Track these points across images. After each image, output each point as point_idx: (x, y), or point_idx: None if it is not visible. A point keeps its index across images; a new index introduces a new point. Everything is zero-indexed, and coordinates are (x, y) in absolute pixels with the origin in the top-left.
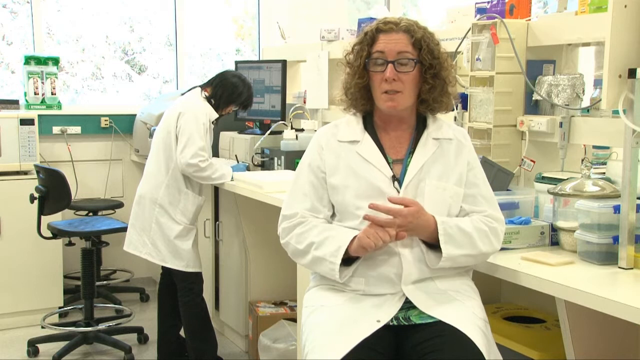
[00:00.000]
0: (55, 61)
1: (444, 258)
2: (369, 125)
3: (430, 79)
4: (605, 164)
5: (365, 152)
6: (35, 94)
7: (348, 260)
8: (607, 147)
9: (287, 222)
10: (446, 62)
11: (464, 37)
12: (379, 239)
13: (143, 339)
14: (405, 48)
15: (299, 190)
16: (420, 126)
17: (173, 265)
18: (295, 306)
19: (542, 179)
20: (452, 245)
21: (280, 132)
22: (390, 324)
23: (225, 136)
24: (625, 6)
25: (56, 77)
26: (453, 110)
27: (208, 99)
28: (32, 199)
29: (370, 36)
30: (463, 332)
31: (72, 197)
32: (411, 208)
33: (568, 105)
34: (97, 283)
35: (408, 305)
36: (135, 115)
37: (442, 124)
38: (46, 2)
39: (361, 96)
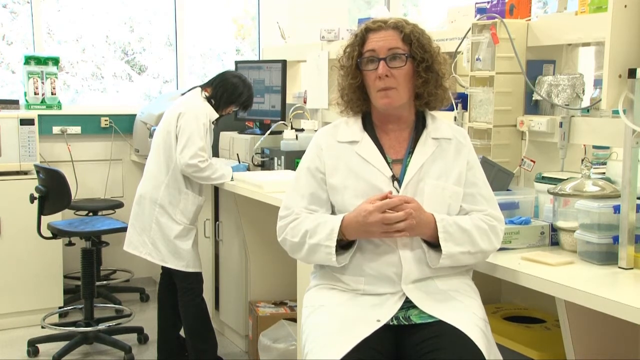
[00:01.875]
0: (55, 61)
1: (444, 255)
2: (368, 125)
3: (423, 72)
4: (605, 164)
5: (364, 152)
6: (35, 94)
7: (346, 246)
8: (607, 147)
9: (282, 221)
10: (439, 55)
11: (464, 37)
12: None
13: (143, 339)
14: (395, 44)
15: (296, 191)
16: (420, 126)
17: (173, 265)
18: (295, 306)
19: (542, 179)
20: (451, 243)
21: (280, 132)
22: (390, 323)
23: (225, 136)
24: (625, 6)
25: (56, 77)
26: (453, 109)
27: (208, 99)
28: (32, 199)
29: (360, 37)
30: (463, 332)
31: (72, 197)
32: (414, 203)
33: (568, 105)
34: (97, 283)
35: (408, 304)
36: (135, 115)
37: (442, 124)
38: (46, 2)
39: (357, 97)
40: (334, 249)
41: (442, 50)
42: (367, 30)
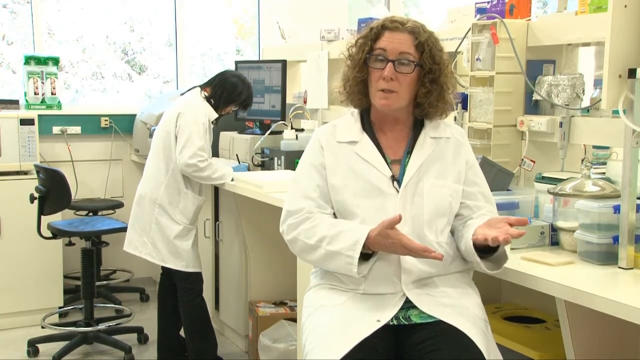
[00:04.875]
0: (55, 61)
1: (508, 260)
2: (367, 125)
3: (428, 83)
4: (605, 164)
5: (363, 152)
6: (35, 94)
7: (363, 256)
8: (607, 147)
9: (292, 218)
10: (447, 69)
11: (464, 37)
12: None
13: (143, 339)
14: (407, 49)
15: (304, 187)
16: (418, 126)
17: (173, 265)
18: (295, 306)
19: (542, 179)
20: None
21: (280, 132)
22: (390, 323)
23: (225, 136)
24: (625, 6)
25: (56, 77)
26: (453, 110)
27: (208, 98)
28: (32, 199)
29: (375, 32)
30: (463, 332)
31: (72, 197)
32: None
33: (568, 105)
34: (97, 283)
35: (408, 304)
36: (135, 115)
37: (440, 123)
38: (46, 2)
39: (358, 91)
40: (356, 260)
41: (447, 58)
42: (384, 27)
